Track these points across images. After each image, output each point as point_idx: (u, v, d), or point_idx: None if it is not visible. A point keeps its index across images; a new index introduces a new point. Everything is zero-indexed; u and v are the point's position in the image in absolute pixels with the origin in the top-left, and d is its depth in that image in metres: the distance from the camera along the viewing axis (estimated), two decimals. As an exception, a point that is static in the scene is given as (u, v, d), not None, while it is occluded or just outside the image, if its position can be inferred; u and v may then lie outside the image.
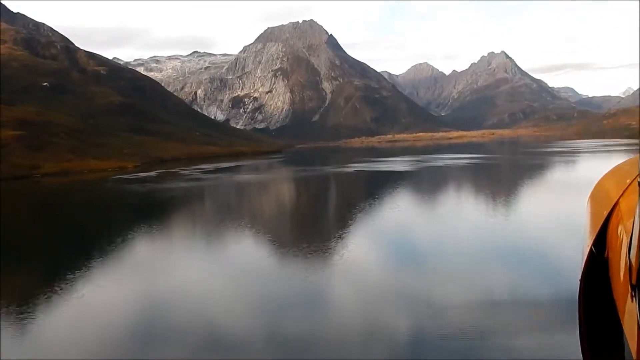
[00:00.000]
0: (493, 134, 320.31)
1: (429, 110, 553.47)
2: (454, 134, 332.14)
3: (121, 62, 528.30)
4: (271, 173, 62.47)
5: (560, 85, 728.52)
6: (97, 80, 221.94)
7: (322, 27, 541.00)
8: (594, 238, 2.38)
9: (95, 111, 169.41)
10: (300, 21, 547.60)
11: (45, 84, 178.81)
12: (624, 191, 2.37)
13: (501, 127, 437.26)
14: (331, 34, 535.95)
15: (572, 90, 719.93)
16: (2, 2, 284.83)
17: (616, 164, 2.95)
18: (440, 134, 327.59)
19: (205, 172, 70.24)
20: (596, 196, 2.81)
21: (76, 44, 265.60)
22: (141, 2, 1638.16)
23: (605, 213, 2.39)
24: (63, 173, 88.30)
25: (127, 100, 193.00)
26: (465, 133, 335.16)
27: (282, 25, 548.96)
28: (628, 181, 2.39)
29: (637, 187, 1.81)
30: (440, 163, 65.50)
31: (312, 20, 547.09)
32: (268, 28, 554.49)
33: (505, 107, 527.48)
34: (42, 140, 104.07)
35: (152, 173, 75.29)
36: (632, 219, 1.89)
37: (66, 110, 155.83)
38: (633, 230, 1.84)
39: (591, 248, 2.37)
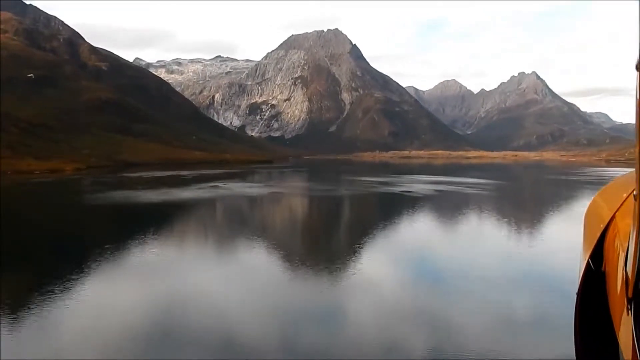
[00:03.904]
0: (516, 155, 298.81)
1: (455, 129, 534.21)
2: (473, 153, 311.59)
3: (143, 63, 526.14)
4: (180, 190, 45.99)
5: (594, 111, 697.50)
6: (95, 76, 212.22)
7: (346, 36, 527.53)
8: (590, 252, 2.37)
9: (77, 106, 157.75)
10: (325, 30, 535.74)
11: (30, 75, 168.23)
12: (620, 205, 2.36)
13: (528, 149, 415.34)
14: (355, 44, 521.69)
15: (606, 116, 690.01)
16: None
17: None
18: (458, 153, 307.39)
19: (111, 182, 55.96)
20: (593, 211, 2.77)
21: (101, 43, 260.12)
22: (168, 5, 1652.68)
23: (602, 227, 2.38)
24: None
25: (117, 97, 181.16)
26: (485, 153, 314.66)
27: (307, 33, 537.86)
28: (624, 195, 2.37)
29: (633, 201, 1.80)
30: (411, 189, 49.26)
31: (336, 29, 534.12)
32: (292, 35, 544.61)
33: (534, 129, 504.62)
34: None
35: (51, 179, 61.50)
36: (629, 233, 1.87)
37: (45, 104, 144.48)
38: (629, 244, 1.81)
39: (588, 261, 2.36)
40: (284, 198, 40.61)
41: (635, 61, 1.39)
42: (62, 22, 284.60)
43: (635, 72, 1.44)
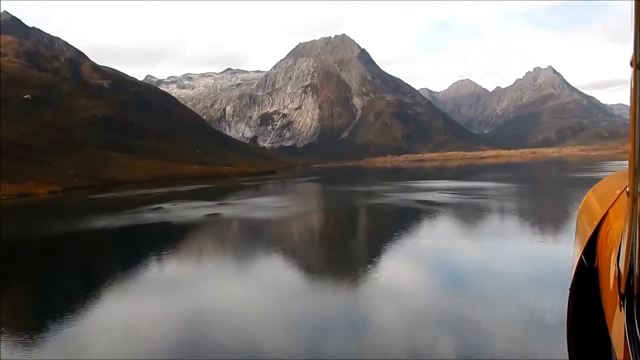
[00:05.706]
0: (534, 152, 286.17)
1: (471, 128, 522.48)
2: (490, 152, 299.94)
3: (154, 80, 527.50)
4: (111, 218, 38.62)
5: (614, 103, 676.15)
6: (96, 94, 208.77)
7: (354, 41, 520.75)
8: (583, 248, 2.37)
9: (72, 125, 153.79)
10: (333, 36, 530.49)
11: (26, 96, 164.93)
12: (613, 202, 2.36)
13: (547, 145, 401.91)
14: (363, 49, 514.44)
15: (627, 107, 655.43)
16: (18, 16, 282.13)
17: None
18: (473, 153, 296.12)
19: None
20: (587, 207, 2.78)
21: (111, 63, 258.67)
22: (176, 21, 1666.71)
23: (596, 223, 2.38)
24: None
25: (114, 113, 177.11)
26: (502, 152, 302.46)
27: (314, 41, 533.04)
28: (618, 192, 2.37)
29: (626, 197, 1.80)
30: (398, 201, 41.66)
31: (344, 34, 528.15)
32: (300, 43, 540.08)
33: (552, 124, 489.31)
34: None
35: (7, 205, 55.60)
36: (621, 229, 1.88)
37: (36, 123, 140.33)
38: (622, 240, 1.82)
39: (581, 258, 2.37)
40: (211, 224, 32.44)
41: (629, 58, 1.41)
42: (66, 42, 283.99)
43: (630, 68, 1.45)
